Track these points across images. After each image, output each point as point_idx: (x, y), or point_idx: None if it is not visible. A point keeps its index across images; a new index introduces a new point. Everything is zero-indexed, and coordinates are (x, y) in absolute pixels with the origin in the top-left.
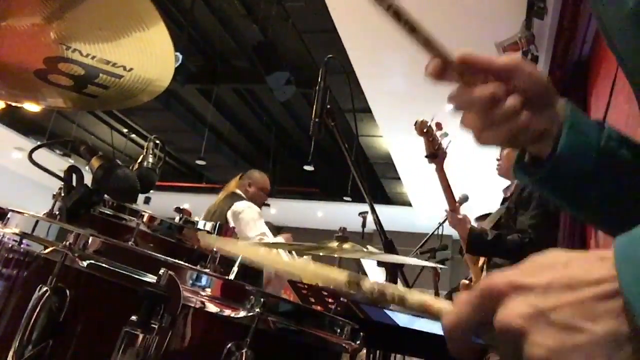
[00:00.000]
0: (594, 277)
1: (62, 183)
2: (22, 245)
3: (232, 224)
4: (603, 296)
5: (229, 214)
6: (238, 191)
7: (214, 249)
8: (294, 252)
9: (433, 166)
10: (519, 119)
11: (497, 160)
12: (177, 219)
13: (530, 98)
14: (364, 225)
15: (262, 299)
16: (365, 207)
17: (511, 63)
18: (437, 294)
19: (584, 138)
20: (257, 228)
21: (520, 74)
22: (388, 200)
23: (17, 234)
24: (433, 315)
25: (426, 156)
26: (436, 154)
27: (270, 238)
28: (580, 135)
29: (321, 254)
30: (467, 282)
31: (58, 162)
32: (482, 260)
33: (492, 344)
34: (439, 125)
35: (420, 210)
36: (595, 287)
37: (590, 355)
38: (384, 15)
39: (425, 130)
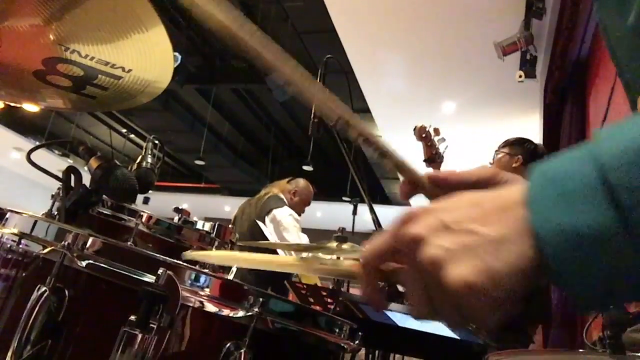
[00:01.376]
0: (501, 194)
1: (61, 183)
2: (20, 246)
3: (268, 226)
4: (504, 206)
5: (269, 218)
6: (282, 195)
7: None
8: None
9: (431, 169)
10: None
11: (490, 164)
12: (176, 219)
13: None
14: (354, 212)
15: (260, 299)
16: (364, 207)
17: (482, 176)
18: None
19: None
20: (297, 237)
21: (494, 185)
22: (387, 200)
23: (15, 234)
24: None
25: (424, 160)
26: (434, 159)
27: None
28: None
29: (320, 254)
30: None
31: (57, 163)
32: None
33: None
34: (436, 131)
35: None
36: (499, 199)
37: (476, 254)
38: (359, 143)
39: (423, 136)
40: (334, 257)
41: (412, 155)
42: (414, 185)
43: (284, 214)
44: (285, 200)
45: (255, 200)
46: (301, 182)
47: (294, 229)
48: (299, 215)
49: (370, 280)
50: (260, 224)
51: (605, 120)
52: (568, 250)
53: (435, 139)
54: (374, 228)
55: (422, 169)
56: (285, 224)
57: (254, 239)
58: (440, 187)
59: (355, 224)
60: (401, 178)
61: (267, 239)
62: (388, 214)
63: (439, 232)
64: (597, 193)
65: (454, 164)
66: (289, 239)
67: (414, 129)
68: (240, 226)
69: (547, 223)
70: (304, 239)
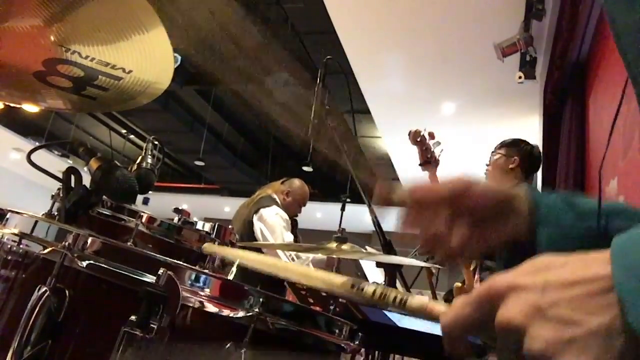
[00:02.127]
0: (590, 275)
1: (61, 184)
2: (21, 246)
3: (256, 227)
4: (598, 292)
5: (256, 217)
6: (275, 196)
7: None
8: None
9: (427, 173)
10: (471, 248)
11: (487, 165)
12: (175, 219)
13: (487, 215)
14: (343, 208)
15: (260, 299)
16: (364, 209)
17: (458, 188)
18: (434, 294)
19: (559, 225)
20: (282, 236)
21: (470, 195)
22: None
23: (16, 235)
24: (434, 318)
25: (420, 164)
26: (429, 162)
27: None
28: (554, 222)
29: (320, 254)
30: (460, 284)
31: (57, 163)
32: (474, 263)
33: (490, 344)
34: (431, 135)
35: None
36: (591, 284)
37: (585, 347)
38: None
39: (418, 140)
40: (401, 295)
41: (411, 158)
42: (391, 200)
43: (270, 213)
44: (277, 200)
45: (248, 202)
46: (295, 182)
47: (278, 228)
48: (296, 215)
49: (453, 346)
50: (254, 222)
51: (615, 120)
52: None
53: (430, 142)
54: (374, 229)
55: (419, 172)
56: (270, 223)
57: (242, 240)
58: (419, 203)
59: (343, 224)
60: (377, 197)
61: (256, 240)
62: (388, 215)
63: (538, 320)
64: None
65: (453, 165)
66: (273, 239)
67: (409, 134)
68: (234, 227)
69: None
70: (288, 239)
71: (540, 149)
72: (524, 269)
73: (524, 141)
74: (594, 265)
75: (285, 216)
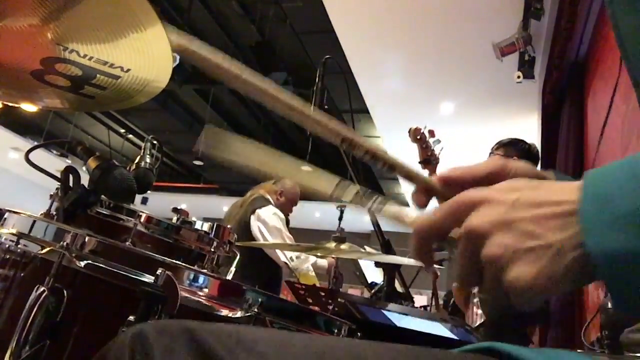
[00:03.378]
0: (558, 198)
1: (59, 183)
2: (19, 246)
3: (254, 227)
4: (562, 214)
5: (253, 217)
6: (268, 196)
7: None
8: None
9: (427, 172)
10: None
11: None
12: (174, 219)
13: None
14: (340, 218)
15: (259, 299)
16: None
17: (493, 168)
18: (435, 294)
19: None
20: (280, 236)
21: (504, 177)
22: None
23: (14, 234)
24: (407, 224)
25: (420, 162)
26: (429, 161)
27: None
28: None
29: (319, 254)
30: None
31: (55, 163)
32: None
33: (452, 250)
34: (432, 133)
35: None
36: (557, 206)
37: (537, 257)
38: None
39: (418, 137)
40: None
41: (413, 153)
42: (427, 191)
43: (267, 213)
44: (271, 200)
45: (240, 202)
46: (287, 182)
47: (278, 228)
48: (287, 214)
49: (420, 247)
50: (251, 222)
51: (607, 123)
52: (617, 271)
53: (430, 140)
54: (373, 229)
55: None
56: (270, 224)
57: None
58: (452, 187)
59: (342, 224)
60: (413, 188)
61: (252, 239)
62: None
63: (502, 229)
64: None
65: (452, 164)
66: (272, 238)
67: (409, 131)
68: None
69: (599, 247)
70: (288, 239)
71: (539, 148)
72: (501, 186)
73: (522, 140)
74: (564, 190)
75: (282, 215)
